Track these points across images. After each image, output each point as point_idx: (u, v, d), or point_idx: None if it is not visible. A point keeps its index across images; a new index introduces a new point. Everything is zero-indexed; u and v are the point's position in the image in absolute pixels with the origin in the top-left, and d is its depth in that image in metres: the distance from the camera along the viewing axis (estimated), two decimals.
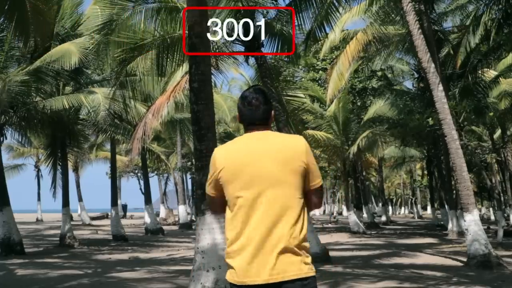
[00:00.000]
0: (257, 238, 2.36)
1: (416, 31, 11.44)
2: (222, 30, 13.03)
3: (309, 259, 2.41)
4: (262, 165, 2.43)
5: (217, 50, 13.80)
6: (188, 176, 37.33)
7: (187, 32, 8.96)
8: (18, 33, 10.89)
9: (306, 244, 2.42)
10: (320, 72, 26.25)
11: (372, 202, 54.64)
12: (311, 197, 2.54)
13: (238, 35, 13.14)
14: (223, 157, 2.51)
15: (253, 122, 2.56)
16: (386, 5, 16.07)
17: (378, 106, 23.46)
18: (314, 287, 2.41)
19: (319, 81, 26.41)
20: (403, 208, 72.11)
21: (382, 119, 23.72)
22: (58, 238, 18.76)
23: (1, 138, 16.72)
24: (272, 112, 2.63)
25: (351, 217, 25.02)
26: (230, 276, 2.42)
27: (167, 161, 38.03)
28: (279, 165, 2.42)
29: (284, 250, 2.34)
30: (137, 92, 16.60)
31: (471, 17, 17.89)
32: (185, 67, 14.07)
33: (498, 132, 25.16)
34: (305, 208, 2.47)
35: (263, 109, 2.56)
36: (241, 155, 2.48)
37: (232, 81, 38.07)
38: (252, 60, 13.65)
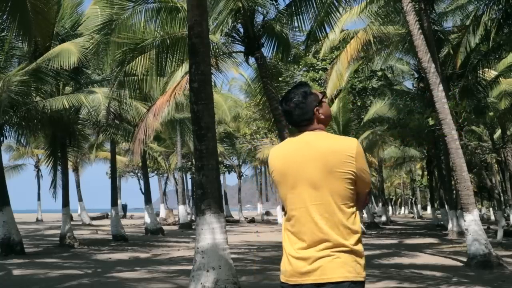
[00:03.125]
0: (304, 243, 2.38)
1: (416, 31, 11.43)
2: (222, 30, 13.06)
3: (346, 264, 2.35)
4: (304, 169, 2.40)
5: (217, 50, 13.81)
6: (188, 176, 37.33)
7: (187, 32, 8.97)
8: (21, 33, 10.89)
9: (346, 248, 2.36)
10: (320, 72, 26.25)
11: (372, 202, 54.67)
12: (359, 199, 2.48)
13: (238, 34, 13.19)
14: (274, 158, 2.51)
15: (296, 125, 2.52)
16: (386, 5, 16.07)
17: (378, 107, 23.47)
18: None
19: (319, 81, 26.39)
20: (403, 208, 72.14)
21: (382, 119, 23.72)
22: (58, 238, 18.74)
23: (1, 138, 16.73)
24: (316, 108, 2.51)
25: None
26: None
27: (165, 162, 38.11)
28: (321, 171, 2.37)
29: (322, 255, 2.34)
30: (137, 92, 16.61)
31: (471, 17, 17.88)
32: (185, 67, 14.07)
33: (498, 132, 25.15)
34: (350, 217, 2.38)
35: (298, 113, 2.49)
36: (288, 158, 2.46)
37: (232, 81, 38.10)
38: (252, 60, 13.66)
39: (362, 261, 2.38)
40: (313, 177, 2.38)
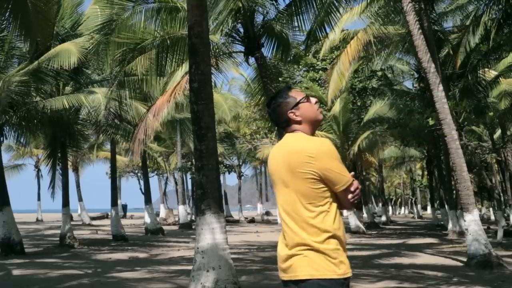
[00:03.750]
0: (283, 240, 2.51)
1: (416, 31, 11.43)
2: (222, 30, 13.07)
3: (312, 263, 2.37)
4: (280, 170, 2.49)
5: (217, 50, 13.81)
6: (188, 176, 37.34)
7: (187, 32, 8.97)
8: (22, 33, 10.88)
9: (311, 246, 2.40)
10: (320, 72, 26.25)
11: (372, 202, 54.67)
12: (339, 197, 2.46)
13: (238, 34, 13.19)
14: (268, 160, 2.63)
15: (278, 127, 2.70)
16: (386, 5, 16.07)
17: (378, 107, 23.48)
18: None
19: (319, 81, 26.39)
20: (403, 208, 72.12)
21: (382, 119, 23.73)
22: (58, 238, 18.75)
23: (1, 138, 16.73)
24: (290, 111, 2.53)
25: (351, 217, 25.01)
26: None
27: (165, 162, 38.14)
28: (287, 171, 2.45)
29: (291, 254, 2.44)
30: (137, 92, 16.62)
31: (471, 17, 17.88)
32: (185, 67, 14.07)
33: (498, 132, 25.15)
34: (318, 216, 2.39)
35: (273, 117, 2.64)
36: (273, 160, 2.56)
37: (232, 81, 38.14)
38: (252, 60, 13.66)
39: (336, 259, 2.36)
40: (283, 178, 2.47)
